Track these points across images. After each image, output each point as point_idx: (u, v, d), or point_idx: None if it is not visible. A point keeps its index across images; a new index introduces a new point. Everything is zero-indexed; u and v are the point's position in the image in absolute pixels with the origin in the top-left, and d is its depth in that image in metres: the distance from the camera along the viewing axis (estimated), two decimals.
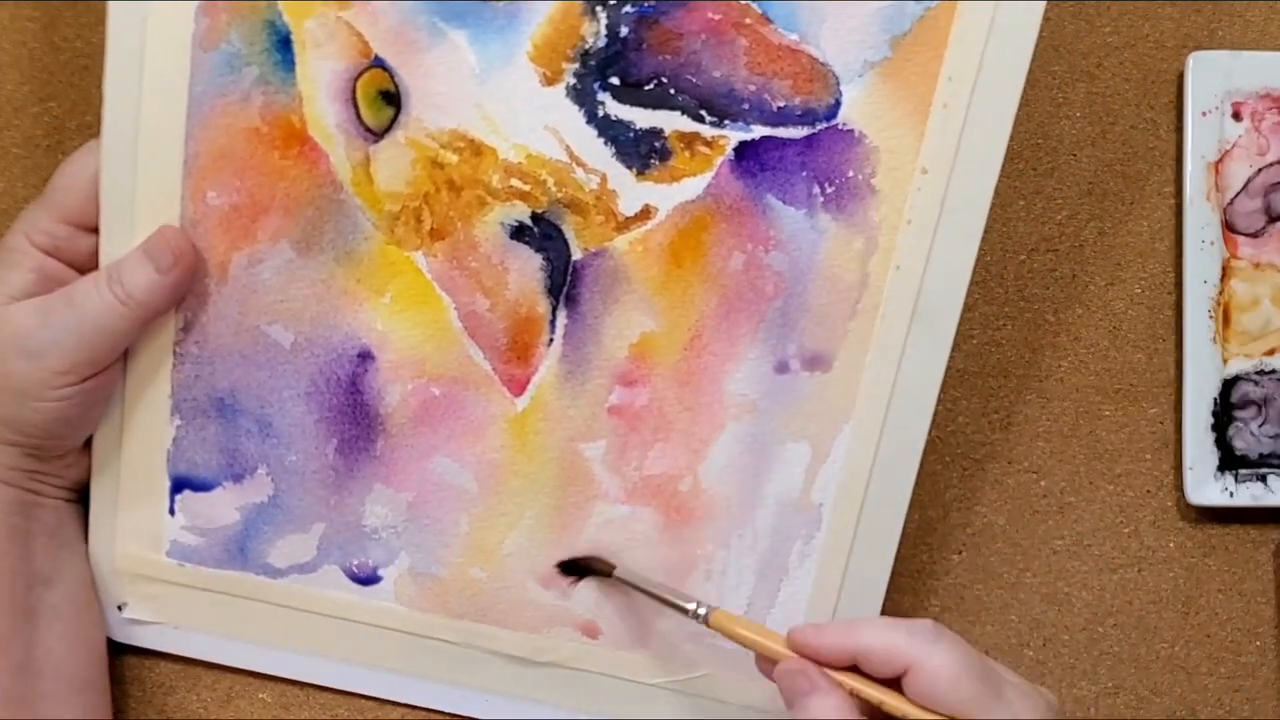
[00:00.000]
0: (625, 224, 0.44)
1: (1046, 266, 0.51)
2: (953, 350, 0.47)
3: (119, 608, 0.49)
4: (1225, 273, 0.50)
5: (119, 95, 0.43)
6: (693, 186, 0.43)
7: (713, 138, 0.43)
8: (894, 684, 0.39)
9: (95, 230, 0.44)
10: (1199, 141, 0.50)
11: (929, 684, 0.38)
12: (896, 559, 0.48)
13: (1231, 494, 0.51)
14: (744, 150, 0.43)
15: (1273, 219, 0.50)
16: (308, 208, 0.44)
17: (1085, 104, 0.51)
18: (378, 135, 0.43)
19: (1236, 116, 0.50)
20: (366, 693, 0.50)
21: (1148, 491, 0.52)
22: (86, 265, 0.44)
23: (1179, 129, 0.51)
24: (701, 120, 0.42)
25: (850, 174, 0.43)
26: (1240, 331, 0.51)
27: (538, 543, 0.47)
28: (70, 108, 0.51)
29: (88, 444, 0.47)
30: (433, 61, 0.42)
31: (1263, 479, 0.51)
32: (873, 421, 0.45)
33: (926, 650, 0.38)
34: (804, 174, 0.43)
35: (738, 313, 0.44)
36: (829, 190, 0.43)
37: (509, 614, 0.48)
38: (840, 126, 0.42)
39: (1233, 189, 0.50)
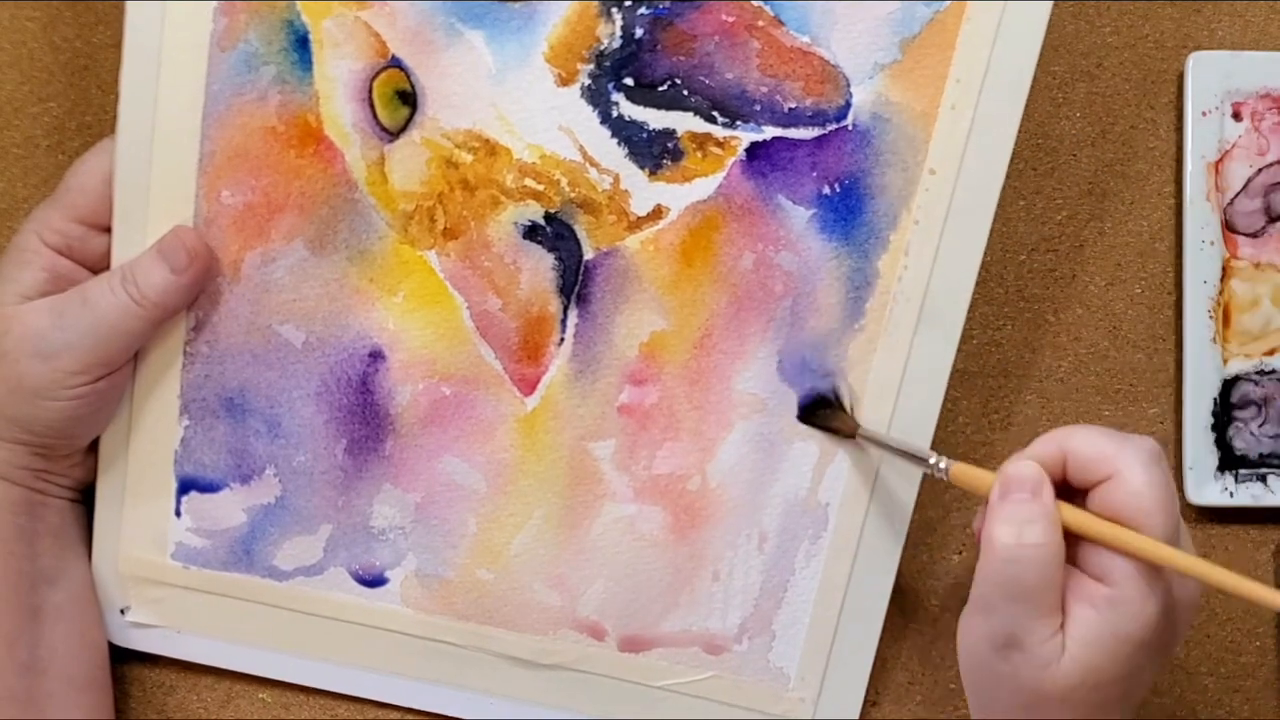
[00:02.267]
0: (637, 224, 0.46)
1: (1046, 266, 0.53)
2: None
3: (121, 611, 0.50)
4: (1225, 273, 0.52)
5: (135, 94, 0.44)
6: (704, 186, 0.45)
7: (725, 138, 0.45)
8: (1080, 496, 0.40)
9: (108, 230, 0.46)
10: (1199, 141, 0.52)
11: (1126, 499, 0.38)
12: None
13: (1231, 494, 0.53)
14: (755, 151, 0.45)
15: (1273, 219, 0.52)
16: (322, 207, 0.46)
17: (1085, 104, 0.53)
18: (393, 135, 0.45)
19: (1236, 116, 0.52)
20: (371, 696, 0.51)
21: None
22: (98, 265, 0.46)
23: (1179, 129, 0.53)
24: (714, 121, 0.45)
25: (859, 174, 0.45)
26: (1240, 331, 0.52)
27: (545, 543, 0.49)
28: (70, 108, 0.53)
29: (93, 444, 0.48)
30: (449, 62, 0.44)
31: (1263, 479, 0.53)
32: (879, 421, 0.47)
33: (1141, 464, 0.38)
34: (814, 174, 0.45)
35: (747, 312, 0.47)
36: (838, 190, 0.45)
37: (515, 616, 0.50)
38: (850, 127, 0.45)
39: (1233, 189, 0.52)
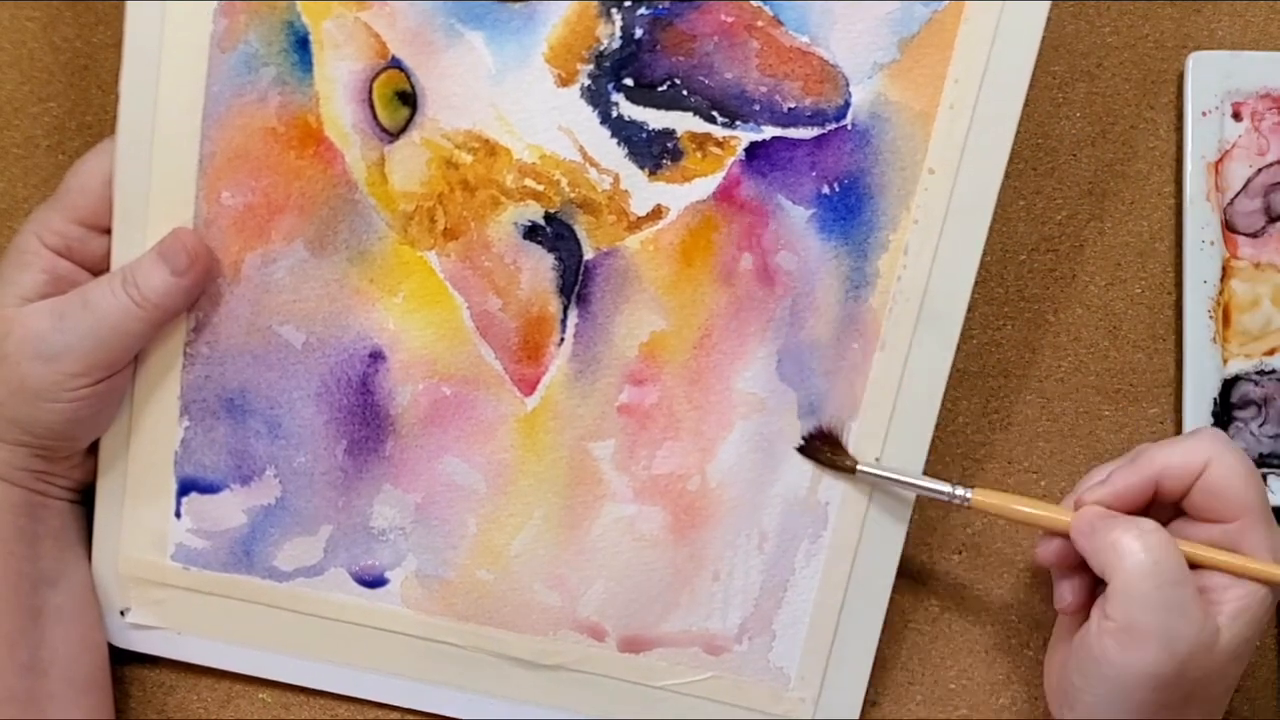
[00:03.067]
0: (637, 224, 0.46)
1: (1046, 266, 0.53)
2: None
3: (122, 613, 0.50)
4: (1225, 273, 0.52)
5: (135, 95, 0.44)
6: (704, 186, 0.45)
7: (724, 138, 0.45)
8: (1175, 509, 0.44)
9: (108, 231, 0.46)
10: (1199, 141, 0.52)
11: (1226, 482, 0.42)
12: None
13: None
14: (755, 151, 0.45)
15: (1273, 219, 0.52)
16: (322, 207, 0.46)
17: (1085, 104, 0.53)
18: (393, 135, 0.45)
19: (1236, 116, 0.52)
20: (371, 697, 0.51)
21: None
22: (98, 266, 0.46)
23: (1179, 129, 0.53)
24: (713, 121, 0.45)
25: (858, 174, 0.45)
26: (1240, 331, 0.52)
27: (545, 544, 0.49)
28: (70, 108, 0.53)
29: (93, 446, 0.48)
30: (449, 62, 0.44)
31: (1263, 479, 0.52)
32: (879, 420, 0.47)
33: (1222, 448, 0.42)
34: (813, 174, 0.45)
35: (747, 312, 0.47)
36: (837, 190, 0.45)
37: (515, 617, 0.50)
38: (849, 127, 0.45)
39: (1233, 189, 0.52)
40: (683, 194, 0.46)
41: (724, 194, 0.46)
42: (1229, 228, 0.52)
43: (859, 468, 0.47)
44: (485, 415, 0.48)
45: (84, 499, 0.49)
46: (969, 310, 0.46)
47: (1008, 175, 0.44)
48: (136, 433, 0.48)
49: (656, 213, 0.46)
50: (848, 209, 0.46)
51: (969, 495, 0.45)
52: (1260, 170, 0.52)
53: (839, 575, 0.49)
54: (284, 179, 0.45)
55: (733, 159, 0.45)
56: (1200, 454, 0.42)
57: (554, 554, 0.49)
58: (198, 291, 0.45)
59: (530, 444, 0.48)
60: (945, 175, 0.45)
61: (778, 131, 0.45)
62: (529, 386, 0.48)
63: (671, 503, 0.48)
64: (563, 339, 0.47)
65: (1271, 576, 0.42)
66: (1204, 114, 0.52)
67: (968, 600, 0.54)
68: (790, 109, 0.45)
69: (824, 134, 0.45)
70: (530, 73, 0.44)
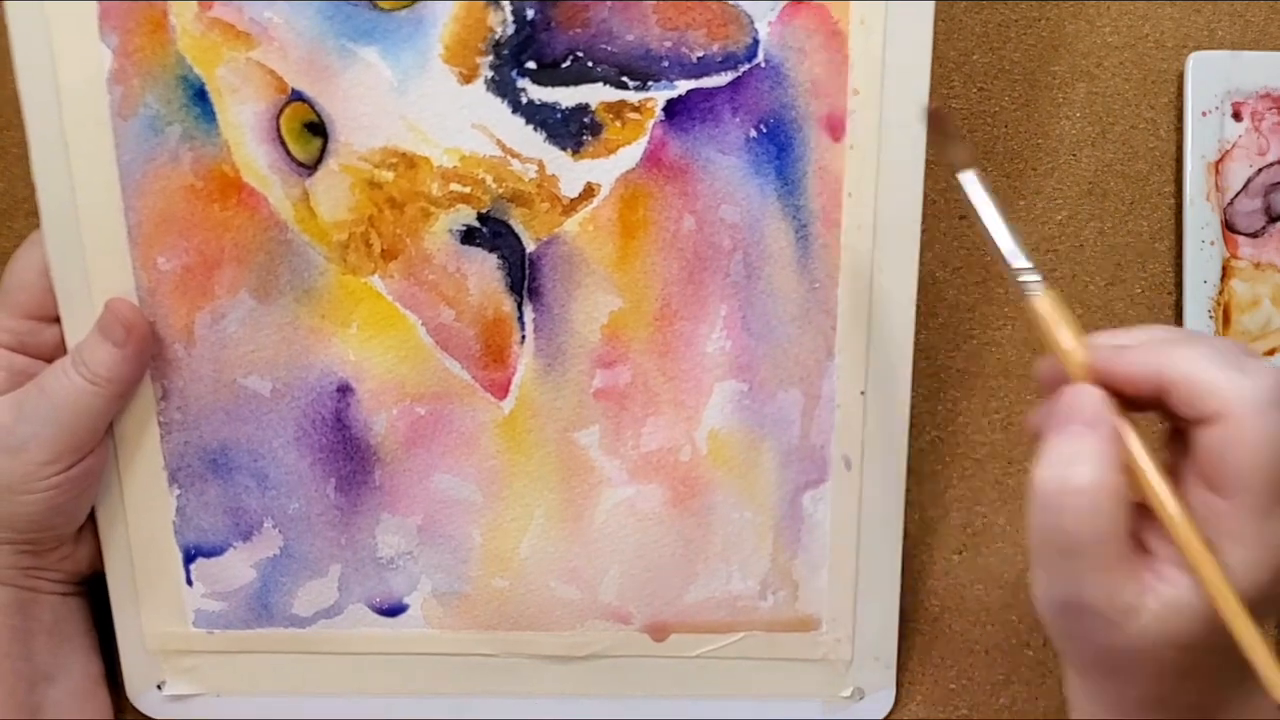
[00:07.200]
0: (571, 206, 0.42)
1: (1046, 266, 0.50)
2: (952, 350, 0.44)
3: (159, 687, 0.47)
4: (1225, 273, 0.49)
5: (50, 182, 0.41)
6: (630, 155, 0.41)
7: (640, 102, 0.41)
8: (1183, 438, 0.31)
9: (57, 320, 0.42)
10: (1199, 141, 0.48)
11: (1229, 448, 0.29)
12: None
13: None
14: (673, 108, 0.41)
15: (1273, 219, 0.49)
16: (258, 254, 0.42)
17: (1085, 104, 0.50)
18: (311, 168, 0.41)
19: (1236, 116, 0.48)
20: (417, 719, 0.48)
21: None
22: (54, 355, 0.43)
23: (1179, 129, 0.49)
24: (625, 87, 0.40)
25: (783, 110, 0.41)
26: (1240, 331, 0.49)
27: (552, 540, 0.45)
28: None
29: (80, 536, 0.45)
30: (349, 84, 0.40)
31: None
32: (856, 353, 0.43)
33: (1255, 407, 0.29)
34: (736, 120, 0.41)
35: (700, 274, 0.42)
36: (764, 131, 0.41)
37: (540, 616, 0.46)
38: (763, 65, 0.40)
39: (1233, 189, 0.48)
40: (611, 167, 0.41)
41: (651, 159, 0.41)
42: (1229, 228, 0.49)
43: (961, 174, 0.35)
44: (465, 426, 0.44)
45: (81, 591, 0.46)
46: (969, 310, 0.42)
47: (1007, 175, 0.40)
48: (131, 511, 0.45)
49: (589, 192, 0.41)
50: (779, 148, 0.41)
51: (1037, 290, 0.34)
52: (1260, 170, 0.48)
53: (848, 514, 0.45)
54: (214, 233, 0.41)
55: (653, 121, 0.41)
56: (1211, 401, 0.30)
57: (563, 549, 0.45)
58: (144, 359, 0.42)
59: (516, 446, 0.44)
60: (870, 93, 0.40)
61: (692, 84, 0.40)
62: (501, 390, 0.43)
63: (666, 477, 0.44)
64: (524, 336, 0.43)
65: (1225, 600, 0.30)
66: (1204, 114, 0.48)
67: (968, 600, 0.50)
68: (700, 58, 0.40)
69: (739, 77, 0.40)
70: (431, 77, 0.40)
